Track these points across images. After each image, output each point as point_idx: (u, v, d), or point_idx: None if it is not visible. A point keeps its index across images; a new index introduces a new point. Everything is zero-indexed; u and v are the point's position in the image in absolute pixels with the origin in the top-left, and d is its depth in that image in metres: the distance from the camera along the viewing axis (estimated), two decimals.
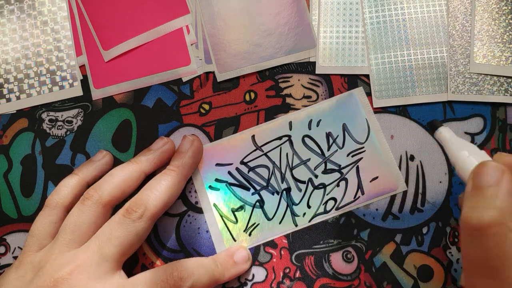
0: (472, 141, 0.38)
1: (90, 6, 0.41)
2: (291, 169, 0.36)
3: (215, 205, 0.36)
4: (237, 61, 0.40)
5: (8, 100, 0.40)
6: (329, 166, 0.36)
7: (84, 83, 0.40)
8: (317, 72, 0.40)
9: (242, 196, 0.36)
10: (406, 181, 0.37)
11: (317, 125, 0.37)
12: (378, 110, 0.39)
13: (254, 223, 0.36)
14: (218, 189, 0.36)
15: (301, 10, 0.40)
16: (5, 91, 0.40)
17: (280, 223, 0.36)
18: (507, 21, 0.39)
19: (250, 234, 0.36)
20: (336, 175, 0.36)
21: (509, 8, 0.39)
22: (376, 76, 0.39)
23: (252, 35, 0.40)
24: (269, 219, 0.36)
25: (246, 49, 0.40)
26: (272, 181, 0.36)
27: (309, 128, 0.36)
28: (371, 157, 0.37)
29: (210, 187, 0.36)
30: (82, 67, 0.40)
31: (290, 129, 0.37)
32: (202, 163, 0.36)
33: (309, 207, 0.36)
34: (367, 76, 0.40)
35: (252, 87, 0.40)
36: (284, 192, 0.36)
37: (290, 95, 0.39)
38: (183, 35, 0.40)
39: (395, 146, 0.38)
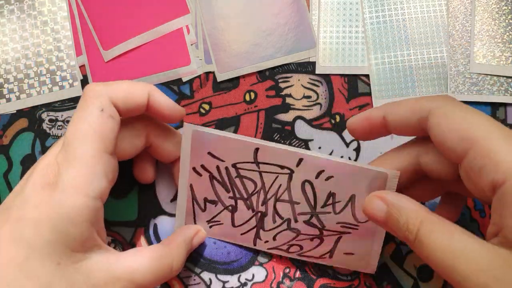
0: None
1: (90, 6, 0.41)
2: (276, 200, 0.33)
3: (191, 185, 0.34)
4: (237, 61, 0.40)
5: (8, 100, 0.40)
6: (314, 220, 0.33)
7: (84, 83, 0.40)
8: (317, 72, 0.40)
9: (219, 193, 0.34)
10: None
11: (326, 179, 0.32)
12: None
13: (219, 221, 0.35)
14: (201, 175, 0.34)
15: (301, 10, 0.40)
16: (5, 91, 0.40)
17: (241, 234, 0.35)
18: (507, 21, 0.39)
19: (210, 227, 0.35)
20: (315, 231, 0.33)
21: (509, 8, 0.39)
22: (376, 76, 0.39)
23: (252, 35, 0.40)
24: (233, 226, 0.35)
25: (246, 49, 0.40)
26: (254, 198, 0.34)
27: (316, 177, 0.32)
28: (360, 237, 0.33)
29: (194, 169, 0.34)
30: (82, 67, 0.40)
31: (297, 165, 0.32)
32: (195, 143, 0.33)
33: (274, 239, 0.34)
34: (367, 76, 0.40)
35: (252, 87, 0.40)
36: (259, 214, 0.34)
37: (290, 95, 0.39)
38: (183, 35, 0.40)
39: (395, 146, 0.38)
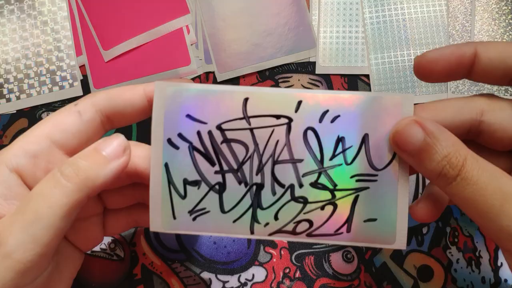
0: None
1: (90, 6, 0.41)
2: (274, 163, 0.27)
3: (166, 165, 0.28)
4: (237, 61, 0.40)
5: (8, 100, 0.40)
6: (322, 179, 0.27)
7: (84, 83, 0.40)
8: (317, 72, 0.40)
9: (202, 169, 0.28)
10: None
11: (332, 121, 0.27)
12: None
13: (204, 209, 0.28)
14: (178, 148, 0.28)
15: (301, 10, 0.40)
16: (5, 91, 0.40)
17: (234, 221, 0.28)
18: (507, 21, 0.39)
19: (194, 219, 0.28)
20: (326, 195, 0.27)
21: (509, 8, 0.39)
22: (376, 76, 0.39)
23: (252, 35, 0.40)
24: (223, 211, 0.28)
25: (246, 49, 0.40)
26: (246, 167, 0.28)
27: (320, 120, 0.27)
28: (381, 192, 0.27)
29: (169, 141, 0.28)
30: (82, 67, 0.40)
31: (296, 110, 0.27)
32: (170, 106, 0.27)
33: (276, 219, 0.28)
34: (367, 76, 0.40)
35: None
36: (254, 187, 0.28)
37: None
38: (183, 35, 0.40)
39: None
